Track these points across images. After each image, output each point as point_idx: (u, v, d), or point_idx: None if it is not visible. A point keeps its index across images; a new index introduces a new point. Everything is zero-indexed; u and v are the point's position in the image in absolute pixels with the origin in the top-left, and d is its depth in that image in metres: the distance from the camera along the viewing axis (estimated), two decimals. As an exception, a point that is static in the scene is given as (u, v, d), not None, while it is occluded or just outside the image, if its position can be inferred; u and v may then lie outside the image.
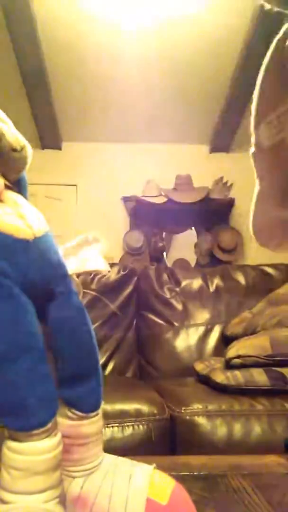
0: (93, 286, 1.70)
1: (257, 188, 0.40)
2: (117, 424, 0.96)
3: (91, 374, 0.32)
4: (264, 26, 2.11)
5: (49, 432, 0.27)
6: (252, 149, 0.38)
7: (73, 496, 0.31)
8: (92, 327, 0.33)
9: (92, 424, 0.32)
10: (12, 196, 0.30)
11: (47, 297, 0.30)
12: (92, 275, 1.72)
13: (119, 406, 1.00)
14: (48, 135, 3.15)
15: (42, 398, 0.27)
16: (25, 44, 2.29)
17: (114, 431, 0.95)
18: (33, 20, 2.14)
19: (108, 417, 0.97)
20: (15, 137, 0.30)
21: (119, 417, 0.97)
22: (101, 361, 1.57)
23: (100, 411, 0.33)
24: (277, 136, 0.34)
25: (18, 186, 0.32)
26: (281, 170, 0.38)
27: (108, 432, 0.94)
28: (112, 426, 0.95)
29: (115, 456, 0.34)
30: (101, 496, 0.30)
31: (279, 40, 0.32)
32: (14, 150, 0.30)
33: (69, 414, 0.31)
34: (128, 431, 0.96)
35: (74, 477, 0.31)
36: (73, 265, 0.35)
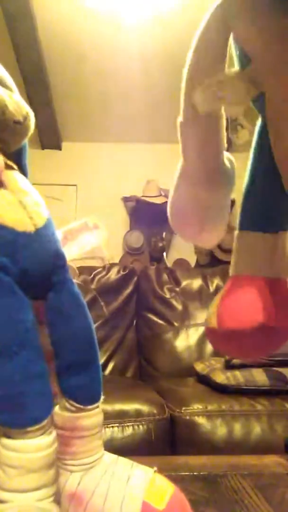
0: (93, 286, 1.70)
1: (179, 165, 0.37)
2: (117, 424, 0.96)
3: (90, 364, 0.31)
4: None
5: (44, 430, 0.27)
6: (180, 118, 0.35)
7: (69, 492, 0.30)
8: (92, 319, 0.33)
9: (91, 417, 0.31)
10: (13, 177, 0.29)
11: (45, 286, 0.30)
12: (92, 275, 1.72)
13: (119, 406, 1.00)
14: (48, 135, 3.15)
15: (38, 395, 0.27)
16: (25, 45, 2.29)
17: (114, 431, 0.95)
18: (33, 20, 2.14)
19: (108, 417, 0.97)
20: (18, 106, 0.29)
21: (119, 417, 0.98)
22: (101, 361, 1.57)
23: (99, 404, 0.32)
24: (214, 103, 0.32)
25: (18, 154, 0.32)
26: (210, 145, 0.35)
27: (108, 432, 0.94)
28: (112, 426, 0.95)
29: (116, 456, 0.33)
30: (97, 494, 0.30)
31: None
32: (17, 122, 0.29)
33: (68, 406, 0.31)
34: (128, 431, 0.96)
35: (71, 471, 0.31)
36: (72, 252, 0.34)
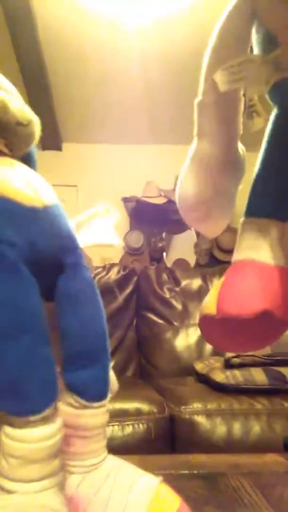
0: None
1: (193, 148, 0.36)
2: (117, 423, 0.96)
3: (98, 357, 0.29)
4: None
5: (47, 419, 0.25)
6: (200, 97, 0.34)
7: (67, 494, 0.28)
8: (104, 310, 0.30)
9: (95, 416, 0.29)
10: (23, 163, 0.29)
11: (56, 268, 0.28)
12: (92, 275, 1.72)
13: (119, 405, 1.01)
14: (48, 136, 3.15)
15: (41, 382, 0.25)
16: (26, 46, 2.29)
17: (114, 430, 0.95)
18: (34, 22, 2.14)
19: (108, 416, 0.97)
20: (21, 109, 0.28)
21: (119, 416, 0.98)
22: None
23: (105, 403, 0.30)
24: (235, 83, 0.31)
25: (26, 162, 0.31)
26: (227, 127, 0.34)
27: (108, 431, 0.94)
28: (112, 425, 0.95)
29: (120, 460, 0.31)
30: (96, 501, 0.28)
31: None
32: (20, 124, 0.28)
33: (71, 401, 0.29)
34: (128, 430, 0.96)
35: (71, 473, 0.29)
36: (85, 239, 0.32)
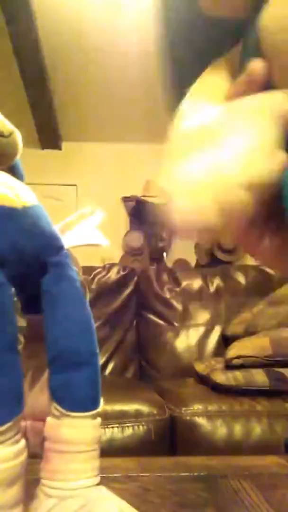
0: (93, 286, 1.70)
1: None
2: (117, 425, 0.96)
3: (83, 361, 0.27)
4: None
5: (4, 437, 0.22)
6: None
7: None
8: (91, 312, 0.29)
9: (76, 428, 0.26)
10: (2, 173, 0.30)
11: (41, 268, 0.27)
12: (92, 275, 1.72)
13: (119, 407, 1.00)
14: (48, 135, 3.15)
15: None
16: (26, 45, 2.29)
17: (114, 432, 0.95)
18: (33, 21, 2.14)
19: (108, 418, 0.97)
20: (2, 122, 0.29)
21: (119, 418, 0.97)
22: (101, 361, 1.57)
23: (91, 415, 0.27)
24: None
25: (12, 174, 0.31)
26: None
27: (108, 433, 0.94)
28: (112, 427, 0.95)
29: (109, 493, 0.26)
30: None
31: None
32: (1, 135, 0.29)
33: (52, 409, 0.26)
34: (128, 431, 0.96)
35: (47, 495, 0.25)
36: (70, 240, 0.32)
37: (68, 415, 0.26)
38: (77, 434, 0.26)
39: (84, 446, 0.26)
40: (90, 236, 0.33)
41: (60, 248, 0.29)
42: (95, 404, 0.27)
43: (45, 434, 0.26)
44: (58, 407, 0.26)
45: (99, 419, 0.27)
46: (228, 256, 3.16)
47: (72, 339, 0.27)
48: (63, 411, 0.26)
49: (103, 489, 0.26)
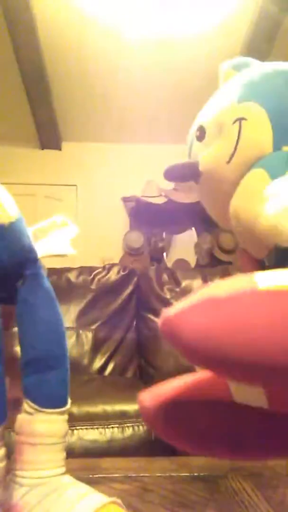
0: (93, 286, 1.70)
1: None
2: (117, 425, 0.96)
3: (54, 363, 0.30)
4: (263, 29, 2.13)
5: None
6: None
7: (11, 503, 0.28)
8: (62, 315, 0.31)
9: (47, 423, 0.29)
10: None
11: (18, 280, 0.30)
12: (92, 275, 1.72)
13: (119, 407, 1.00)
14: (48, 135, 3.15)
15: None
16: (25, 45, 2.29)
17: (114, 432, 0.94)
18: (33, 20, 2.14)
19: (109, 418, 0.97)
20: None
21: (119, 418, 0.97)
22: (101, 362, 1.58)
23: (61, 411, 0.30)
24: None
25: None
26: None
27: (108, 433, 0.93)
28: (112, 427, 0.95)
29: (77, 481, 0.30)
30: (37, 510, 0.27)
31: None
32: None
33: (26, 407, 0.29)
34: (128, 431, 0.95)
35: (20, 484, 0.28)
36: (42, 249, 0.34)
37: (42, 411, 0.29)
38: (49, 428, 0.29)
39: (55, 439, 0.29)
40: (61, 248, 0.35)
41: (35, 260, 0.31)
42: (65, 402, 0.30)
43: (17, 429, 0.28)
44: (32, 404, 0.29)
45: (66, 416, 0.30)
46: (228, 256, 3.16)
47: (48, 344, 0.30)
48: (37, 407, 0.29)
49: (70, 477, 0.30)
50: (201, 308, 0.22)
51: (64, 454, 0.30)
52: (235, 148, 0.33)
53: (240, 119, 0.33)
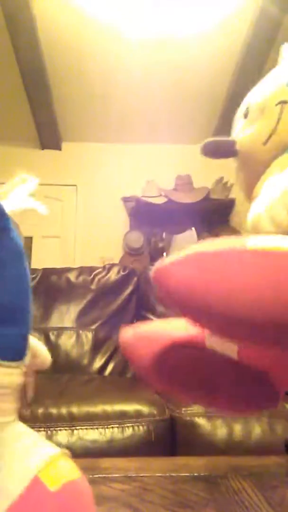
0: (93, 286, 1.70)
1: None
2: (117, 425, 0.96)
3: (17, 316, 0.30)
4: (263, 30, 2.13)
5: None
6: None
7: None
8: (29, 273, 0.32)
9: (6, 375, 0.30)
10: None
11: None
12: (92, 275, 1.72)
13: (119, 407, 1.00)
14: (48, 135, 3.15)
15: None
16: (25, 45, 2.29)
17: (114, 432, 0.94)
18: (33, 21, 2.14)
19: (108, 418, 0.97)
20: None
21: (119, 418, 0.97)
22: (101, 362, 1.57)
23: (18, 366, 0.31)
24: None
25: None
26: None
27: (108, 433, 0.93)
28: (112, 427, 0.95)
29: (31, 431, 0.32)
30: None
31: None
32: None
33: None
34: (128, 432, 0.95)
35: None
36: (10, 206, 0.34)
37: (1, 364, 0.30)
38: (8, 380, 0.30)
39: (6, 390, 0.30)
40: (27, 202, 0.36)
41: (2, 213, 0.31)
42: (21, 355, 0.31)
43: None
44: None
45: (22, 369, 0.31)
46: (228, 256, 3.16)
47: (10, 296, 0.30)
48: None
49: (22, 425, 0.31)
50: (189, 261, 0.24)
51: (18, 404, 0.31)
52: (274, 130, 0.33)
53: (283, 102, 0.33)
